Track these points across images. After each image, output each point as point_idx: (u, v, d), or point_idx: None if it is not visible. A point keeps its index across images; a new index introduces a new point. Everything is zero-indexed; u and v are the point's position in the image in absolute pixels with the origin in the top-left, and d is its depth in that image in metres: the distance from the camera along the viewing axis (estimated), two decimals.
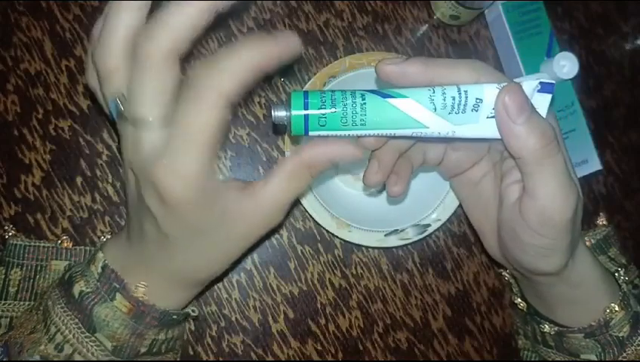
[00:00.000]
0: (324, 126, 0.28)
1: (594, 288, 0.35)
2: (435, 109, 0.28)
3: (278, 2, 0.49)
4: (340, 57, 0.45)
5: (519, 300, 0.41)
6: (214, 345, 0.46)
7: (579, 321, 0.36)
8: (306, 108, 0.28)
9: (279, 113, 0.28)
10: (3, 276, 0.40)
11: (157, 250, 0.30)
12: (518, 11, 0.49)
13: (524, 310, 0.41)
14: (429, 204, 0.45)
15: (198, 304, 0.45)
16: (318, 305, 0.47)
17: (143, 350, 0.32)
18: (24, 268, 0.40)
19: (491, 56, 0.52)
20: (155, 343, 0.33)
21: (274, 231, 0.35)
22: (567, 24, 0.53)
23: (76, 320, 0.31)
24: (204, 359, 0.45)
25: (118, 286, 0.31)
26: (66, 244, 0.42)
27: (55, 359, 0.31)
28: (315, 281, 0.47)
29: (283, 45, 0.25)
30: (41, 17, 0.46)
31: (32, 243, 0.41)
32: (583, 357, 0.37)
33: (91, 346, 0.31)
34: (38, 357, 0.31)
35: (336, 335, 0.47)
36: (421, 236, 0.45)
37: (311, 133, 0.28)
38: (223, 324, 0.46)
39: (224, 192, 0.28)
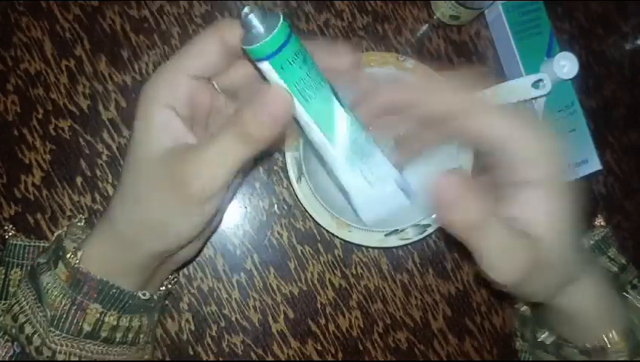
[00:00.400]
0: (282, 69, 0.26)
1: (595, 317, 0.34)
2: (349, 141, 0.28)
3: (278, 2, 0.49)
4: None
5: (524, 306, 0.40)
6: (214, 345, 0.46)
7: (576, 339, 0.35)
8: (285, 42, 0.26)
9: (256, 23, 0.25)
10: (3, 276, 0.40)
11: (116, 202, 0.31)
12: (518, 11, 0.49)
13: (526, 314, 0.40)
14: (430, 204, 0.45)
15: (194, 308, 0.46)
16: (318, 305, 0.47)
17: (87, 328, 0.31)
18: (24, 268, 0.40)
19: (491, 56, 0.52)
20: (102, 325, 0.32)
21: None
22: (567, 24, 0.53)
23: (32, 290, 0.32)
24: (204, 359, 0.45)
25: (60, 253, 0.32)
26: None
27: (13, 329, 0.31)
28: (315, 281, 0.47)
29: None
30: (41, 17, 0.46)
31: (32, 243, 0.41)
32: None
33: (39, 316, 0.31)
34: None
35: (336, 335, 0.47)
36: (421, 236, 0.45)
37: (265, 64, 0.26)
38: (223, 324, 0.46)
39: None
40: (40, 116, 0.45)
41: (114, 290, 0.32)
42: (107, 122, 0.46)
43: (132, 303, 0.33)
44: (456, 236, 0.28)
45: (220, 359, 0.45)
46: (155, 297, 0.35)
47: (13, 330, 0.31)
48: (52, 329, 0.31)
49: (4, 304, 0.39)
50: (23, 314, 0.32)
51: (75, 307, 0.31)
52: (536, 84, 0.40)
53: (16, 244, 0.41)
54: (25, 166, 0.45)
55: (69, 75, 0.46)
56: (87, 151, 0.46)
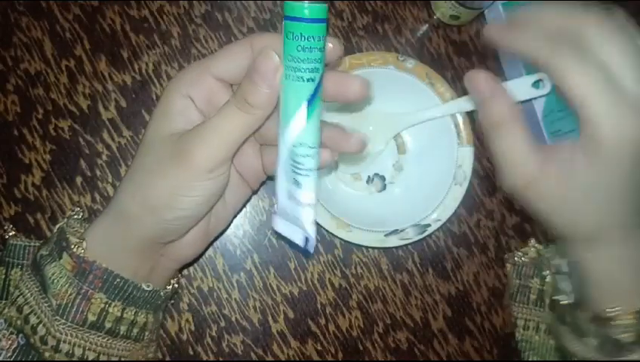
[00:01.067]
0: (289, 35, 0.27)
1: (617, 282, 0.34)
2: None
3: (278, 2, 0.49)
4: (340, 57, 0.45)
5: (548, 272, 0.42)
6: (214, 344, 0.46)
7: (595, 302, 0.35)
8: (312, 21, 0.27)
9: None
10: (3, 276, 0.40)
11: (123, 181, 0.33)
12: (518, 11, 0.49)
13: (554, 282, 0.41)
14: (429, 204, 0.45)
15: (194, 308, 0.46)
16: (318, 305, 0.47)
17: (91, 318, 0.32)
18: (24, 268, 0.40)
19: (491, 56, 0.52)
20: (106, 315, 0.32)
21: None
22: None
23: (36, 281, 0.33)
24: (204, 359, 0.45)
25: (65, 244, 0.32)
26: None
27: (18, 321, 0.32)
28: (315, 281, 0.47)
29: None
30: (41, 17, 0.46)
31: (32, 243, 0.41)
32: (584, 339, 0.36)
33: (44, 307, 0.32)
34: (1, 322, 0.32)
35: (336, 335, 0.47)
36: (421, 236, 0.45)
37: (285, 22, 0.27)
38: (223, 324, 0.46)
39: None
40: (40, 116, 0.45)
41: (118, 280, 0.33)
42: (107, 122, 0.46)
43: (136, 294, 0.34)
44: (485, 126, 0.33)
45: (220, 359, 0.45)
46: (162, 294, 0.36)
47: (19, 322, 0.32)
48: (57, 317, 0.31)
49: (3, 304, 0.39)
50: (28, 306, 0.32)
51: (80, 296, 0.32)
52: (536, 84, 0.40)
53: (16, 244, 0.41)
54: (25, 166, 0.45)
55: (69, 75, 0.46)
56: (87, 151, 0.46)
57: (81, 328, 0.32)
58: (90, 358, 0.32)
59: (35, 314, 0.32)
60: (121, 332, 0.33)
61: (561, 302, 0.38)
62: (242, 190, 0.37)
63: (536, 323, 0.45)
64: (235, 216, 0.39)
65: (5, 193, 0.44)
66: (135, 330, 0.34)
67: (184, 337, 0.45)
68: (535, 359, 0.44)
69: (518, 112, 0.32)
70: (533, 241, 0.48)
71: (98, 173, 0.45)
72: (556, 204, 0.32)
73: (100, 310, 0.32)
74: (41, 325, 0.32)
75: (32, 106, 0.45)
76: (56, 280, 0.32)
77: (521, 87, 0.39)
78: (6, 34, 0.45)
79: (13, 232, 0.43)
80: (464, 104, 0.45)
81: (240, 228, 0.47)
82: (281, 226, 0.33)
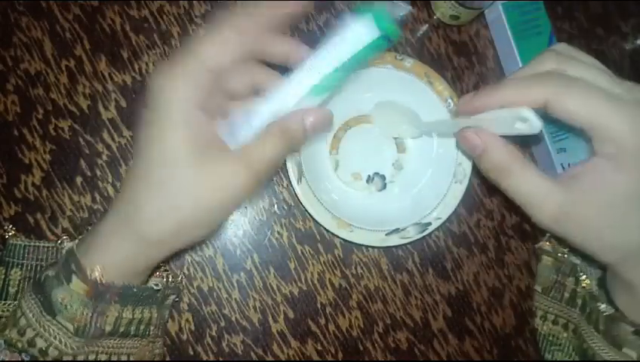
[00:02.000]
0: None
1: None
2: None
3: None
4: None
5: (585, 277, 0.41)
6: (214, 344, 0.46)
7: (636, 315, 0.35)
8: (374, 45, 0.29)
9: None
10: (3, 276, 0.40)
11: (124, 189, 0.31)
12: (518, 11, 0.49)
13: (589, 286, 0.41)
14: (430, 202, 0.45)
15: (194, 308, 0.46)
16: (318, 305, 0.47)
17: (108, 328, 0.32)
18: (24, 268, 0.40)
19: (491, 56, 0.52)
20: (120, 321, 0.33)
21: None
22: (567, 24, 0.53)
23: (39, 304, 0.32)
24: (204, 359, 0.45)
25: (74, 268, 0.31)
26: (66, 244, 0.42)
27: (18, 343, 0.31)
28: (315, 281, 0.47)
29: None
30: (41, 17, 0.46)
31: (32, 243, 0.41)
32: (624, 350, 0.36)
33: (53, 330, 0.31)
34: (0, 342, 0.31)
35: (336, 335, 0.47)
36: (422, 234, 0.45)
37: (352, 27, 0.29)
38: (222, 324, 0.46)
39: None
40: (40, 116, 0.45)
41: (135, 290, 0.33)
42: (107, 122, 0.46)
43: (145, 295, 0.34)
44: (492, 179, 0.34)
45: (220, 359, 0.45)
46: (165, 289, 0.36)
47: (19, 344, 0.31)
48: (77, 339, 0.31)
49: (3, 304, 0.39)
50: (31, 329, 0.32)
51: (96, 314, 0.32)
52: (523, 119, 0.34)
53: (16, 244, 0.41)
54: (25, 166, 0.45)
55: (69, 75, 0.46)
56: (87, 151, 0.46)
57: (98, 340, 0.32)
58: (102, 359, 0.33)
59: (41, 337, 0.31)
60: (131, 332, 0.34)
61: (603, 314, 0.37)
62: None
63: (566, 321, 0.44)
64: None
65: (5, 193, 0.44)
66: (142, 327, 0.35)
67: (184, 337, 0.45)
68: (560, 356, 0.43)
69: (517, 152, 0.33)
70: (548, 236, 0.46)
71: (98, 173, 0.45)
72: (593, 228, 0.32)
73: (115, 319, 0.33)
74: (51, 348, 0.31)
75: (32, 106, 0.45)
76: (68, 305, 0.31)
77: (501, 121, 0.34)
78: (6, 34, 0.45)
79: (13, 232, 0.43)
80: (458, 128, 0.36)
81: (240, 228, 0.47)
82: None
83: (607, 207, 0.31)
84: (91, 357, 0.32)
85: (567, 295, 0.44)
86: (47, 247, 0.42)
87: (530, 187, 0.32)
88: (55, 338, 0.31)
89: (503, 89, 0.32)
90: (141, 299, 0.34)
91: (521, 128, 0.32)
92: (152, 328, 0.35)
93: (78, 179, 0.45)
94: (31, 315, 0.32)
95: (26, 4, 0.46)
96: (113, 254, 0.31)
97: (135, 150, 0.31)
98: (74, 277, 0.31)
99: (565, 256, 0.44)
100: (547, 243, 0.46)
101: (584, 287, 0.42)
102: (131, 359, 0.34)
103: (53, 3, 0.46)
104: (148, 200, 0.29)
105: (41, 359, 0.31)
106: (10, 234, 0.42)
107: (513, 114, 0.32)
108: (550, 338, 0.45)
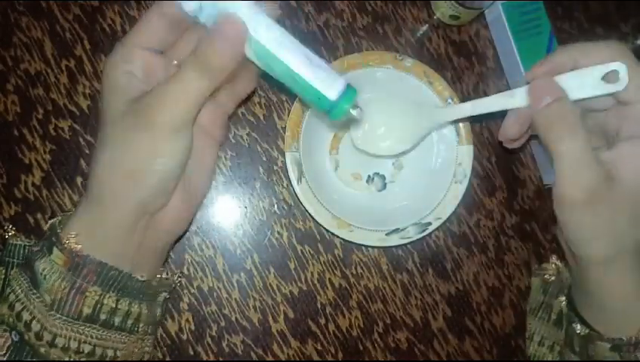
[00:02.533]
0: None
1: (636, 303, 0.35)
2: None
3: (279, 2, 0.49)
4: (340, 57, 0.45)
5: (563, 298, 0.41)
6: (214, 344, 0.46)
7: (611, 331, 0.35)
8: None
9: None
10: (3, 276, 0.40)
11: (92, 166, 0.33)
12: (518, 11, 0.49)
13: (564, 309, 0.41)
14: (430, 202, 0.45)
15: (194, 308, 0.46)
16: (318, 305, 0.47)
17: (86, 311, 0.32)
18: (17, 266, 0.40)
19: (491, 56, 0.52)
20: (101, 307, 0.33)
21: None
22: (567, 24, 0.53)
23: (26, 278, 0.32)
24: (204, 359, 0.45)
25: (54, 239, 0.32)
26: None
27: (10, 318, 0.32)
28: (315, 281, 0.47)
29: None
30: (41, 17, 0.46)
31: (32, 244, 0.41)
32: None
33: (36, 302, 0.32)
34: None
35: (336, 335, 0.47)
36: (422, 234, 0.45)
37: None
38: (223, 324, 0.46)
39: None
40: (40, 116, 0.45)
41: (113, 271, 0.33)
42: None
43: (130, 285, 0.34)
44: (544, 133, 0.32)
45: (220, 359, 0.45)
46: (154, 283, 0.36)
47: (11, 319, 0.32)
48: (53, 312, 0.31)
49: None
50: (19, 302, 0.32)
51: (74, 290, 0.32)
52: (606, 77, 0.33)
53: (16, 244, 0.41)
54: (25, 166, 0.45)
55: (69, 75, 0.46)
56: (87, 151, 0.46)
57: (76, 321, 0.32)
58: (85, 351, 0.33)
59: (27, 311, 0.32)
60: (116, 324, 0.34)
61: (579, 334, 0.37)
62: (209, 143, 0.37)
63: (552, 343, 0.45)
64: (212, 178, 0.40)
65: (5, 193, 0.44)
66: (129, 321, 0.34)
67: (184, 337, 0.45)
68: None
69: (579, 114, 0.32)
70: (554, 258, 0.47)
71: None
72: (610, 220, 0.32)
73: (94, 302, 0.32)
74: (35, 321, 0.32)
75: (32, 106, 0.45)
76: (48, 276, 0.32)
77: (586, 79, 0.32)
78: (6, 34, 0.45)
79: (13, 232, 0.43)
80: (510, 100, 0.35)
81: (240, 228, 0.47)
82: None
83: (635, 200, 0.32)
84: (73, 345, 0.32)
85: (554, 316, 0.44)
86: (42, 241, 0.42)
87: (577, 153, 0.31)
88: (39, 311, 0.32)
89: (571, 51, 0.33)
90: (126, 288, 0.33)
91: (605, 88, 0.31)
92: (141, 324, 0.35)
93: (78, 179, 0.45)
94: (19, 290, 0.32)
95: (26, 4, 0.46)
96: (79, 221, 0.33)
97: (108, 141, 0.33)
98: (54, 249, 0.32)
99: (553, 276, 0.44)
100: (541, 266, 0.46)
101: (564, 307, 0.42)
102: (118, 354, 0.34)
103: (53, 3, 0.46)
104: (95, 158, 0.33)
105: (26, 334, 0.31)
106: (10, 234, 0.42)
107: (600, 70, 0.32)
108: (536, 359, 0.45)
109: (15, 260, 0.41)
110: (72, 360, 0.32)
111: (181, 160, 0.33)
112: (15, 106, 0.45)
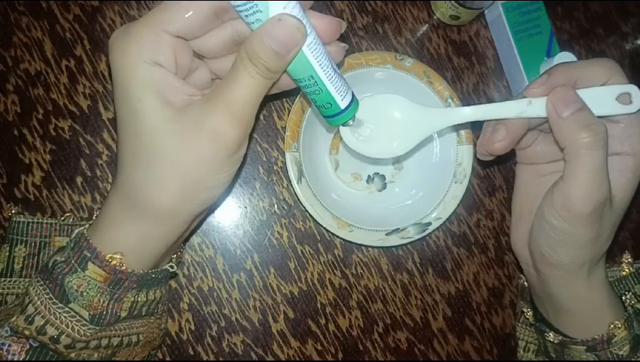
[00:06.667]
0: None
1: (601, 303, 0.36)
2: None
3: None
4: None
5: (527, 309, 0.42)
6: (214, 344, 0.46)
7: (582, 334, 0.36)
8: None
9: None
10: (7, 253, 0.40)
11: (120, 166, 0.30)
12: (518, 11, 0.49)
13: (530, 319, 0.41)
14: (430, 202, 0.45)
15: (194, 308, 0.46)
16: (318, 305, 0.47)
17: (124, 314, 0.32)
18: (28, 245, 0.40)
19: (491, 56, 0.52)
20: (136, 305, 0.33)
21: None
22: (567, 24, 0.53)
23: (48, 291, 0.31)
24: (204, 359, 0.45)
25: (89, 255, 0.30)
26: (69, 221, 0.43)
27: (25, 331, 0.30)
28: (315, 281, 0.47)
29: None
30: (41, 17, 0.46)
31: (36, 220, 0.41)
32: None
33: (65, 317, 0.30)
34: (7, 329, 0.30)
35: (336, 335, 0.47)
36: (422, 235, 0.45)
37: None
38: (223, 324, 0.46)
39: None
40: (40, 116, 0.45)
41: (152, 276, 0.32)
42: (107, 122, 0.46)
43: (160, 277, 0.33)
44: (563, 153, 0.32)
45: (220, 359, 0.45)
46: (176, 267, 0.36)
47: (27, 332, 0.30)
48: (91, 326, 0.31)
49: (9, 281, 0.39)
50: (40, 316, 0.30)
51: (112, 301, 0.31)
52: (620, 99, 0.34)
53: (19, 221, 0.41)
54: (25, 166, 0.45)
55: (69, 75, 0.46)
56: (87, 151, 0.46)
57: (112, 325, 0.32)
58: (114, 344, 0.32)
59: (52, 326, 0.30)
60: (143, 313, 0.34)
61: (553, 342, 0.38)
62: None
63: (536, 347, 0.45)
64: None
65: (5, 193, 0.44)
66: (152, 306, 0.35)
67: (184, 337, 0.45)
68: None
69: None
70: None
71: (98, 173, 0.45)
72: (596, 232, 0.33)
73: (131, 304, 0.32)
74: (64, 336, 0.30)
75: (32, 106, 0.45)
76: (85, 292, 0.30)
77: (603, 98, 0.33)
78: (6, 34, 0.45)
79: (17, 209, 0.43)
80: (528, 108, 0.34)
81: (240, 228, 0.47)
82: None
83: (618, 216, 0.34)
84: (104, 343, 0.32)
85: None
86: (50, 223, 0.42)
87: (602, 166, 0.31)
88: (67, 326, 0.30)
89: (569, 70, 0.33)
90: (156, 281, 0.34)
91: (619, 108, 0.32)
92: (160, 305, 0.36)
93: (78, 179, 0.45)
94: (39, 302, 0.31)
95: (26, 4, 0.46)
96: (126, 237, 0.31)
97: (117, 123, 0.30)
98: (90, 264, 0.30)
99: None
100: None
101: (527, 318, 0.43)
102: (141, 337, 0.34)
103: (53, 3, 0.46)
104: (140, 172, 0.29)
105: (54, 346, 0.30)
106: (13, 211, 0.42)
107: (615, 91, 0.32)
108: None
109: (19, 237, 0.40)
110: (99, 355, 0.32)
111: (235, 172, 0.31)
112: (15, 106, 0.45)
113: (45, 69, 0.46)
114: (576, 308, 0.36)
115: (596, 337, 0.36)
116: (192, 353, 0.45)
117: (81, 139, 0.46)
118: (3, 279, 0.39)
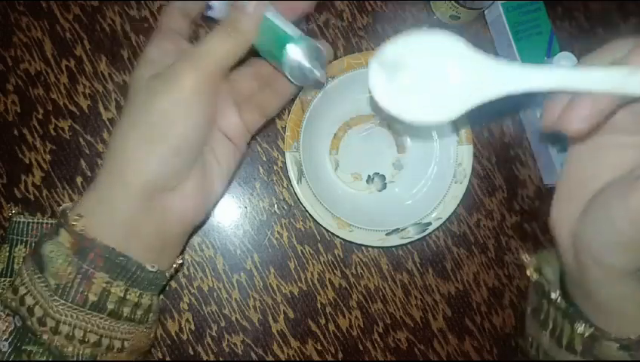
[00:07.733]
0: None
1: None
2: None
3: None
4: (340, 57, 0.45)
5: (556, 295, 0.37)
6: (214, 344, 0.46)
7: (620, 331, 0.34)
8: None
9: None
10: (7, 253, 0.40)
11: (113, 142, 0.32)
12: (518, 11, 0.49)
13: (561, 307, 0.38)
14: (430, 202, 0.45)
15: (194, 308, 0.46)
16: (318, 305, 0.47)
17: (92, 298, 0.31)
18: (28, 245, 0.40)
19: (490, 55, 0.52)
20: (108, 296, 0.31)
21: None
22: (567, 24, 0.53)
23: (31, 259, 0.31)
24: (204, 359, 0.45)
25: (62, 221, 0.31)
26: None
27: (13, 302, 0.31)
28: (315, 281, 0.47)
29: None
30: (41, 17, 0.46)
31: (36, 220, 0.41)
32: None
33: (40, 286, 0.30)
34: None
35: (336, 335, 0.47)
36: (422, 235, 0.45)
37: None
38: (223, 324, 0.46)
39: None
40: (40, 116, 0.45)
41: (121, 258, 0.31)
42: (107, 122, 0.46)
43: (140, 275, 0.32)
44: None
45: (220, 359, 0.45)
46: (167, 274, 0.35)
47: (14, 303, 0.31)
48: (57, 298, 0.30)
49: (9, 281, 0.39)
50: (24, 286, 0.31)
51: (80, 275, 0.30)
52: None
53: (19, 221, 0.41)
54: (25, 166, 0.45)
55: (69, 75, 0.46)
56: (87, 151, 0.46)
57: (82, 309, 0.31)
58: (91, 340, 0.31)
59: (31, 295, 0.31)
60: (125, 314, 0.32)
61: (582, 335, 0.35)
62: (230, 149, 0.37)
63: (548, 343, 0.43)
64: (229, 183, 0.40)
65: (5, 193, 0.44)
66: (139, 312, 0.33)
67: (184, 337, 0.45)
68: None
69: None
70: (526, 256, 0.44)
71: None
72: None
73: (101, 290, 0.31)
74: (37, 306, 0.30)
75: (32, 106, 0.45)
76: (54, 258, 0.30)
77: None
78: (6, 34, 0.46)
79: (17, 210, 0.43)
80: (629, 79, 0.26)
81: (240, 228, 0.47)
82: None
83: None
84: (78, 334, 0.31)
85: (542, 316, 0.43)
86: (50, 224, 0.42)
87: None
88: (41, 295, 0.30)
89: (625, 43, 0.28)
90: (136, 278, 0.32)
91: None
92: (151, 315, 0.34)
93: (78, 179, 0.45)
94: (25, 274, 0.31)
95: (26, 4, 0.46)
96: (91, 197, 0.32)
97: (130, 108, 0.32)
98: (62, 230, 0.31)
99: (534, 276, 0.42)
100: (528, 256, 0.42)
101: (557, 306, 0.38)
102: (126, 344, 0.33)
103: (53, 3, 0.46)
104: (116, 128, 0.32)
105: (29, 320, 0.30)
106: (13, 211, 0.42)
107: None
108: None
109: (19, 237, 0.40)
110: (74, 350, 0.31)
111: (200, 127, 0.32)
112: (15, 106, 0.45)
113: (45, 69, 0.46)
114: (615, 306, 0.33)
115: (632, 337, 0.33)
116: (192, 353, 0.45)
117: (81, 139, 0.46)
118: (3, 279, 0.39)
